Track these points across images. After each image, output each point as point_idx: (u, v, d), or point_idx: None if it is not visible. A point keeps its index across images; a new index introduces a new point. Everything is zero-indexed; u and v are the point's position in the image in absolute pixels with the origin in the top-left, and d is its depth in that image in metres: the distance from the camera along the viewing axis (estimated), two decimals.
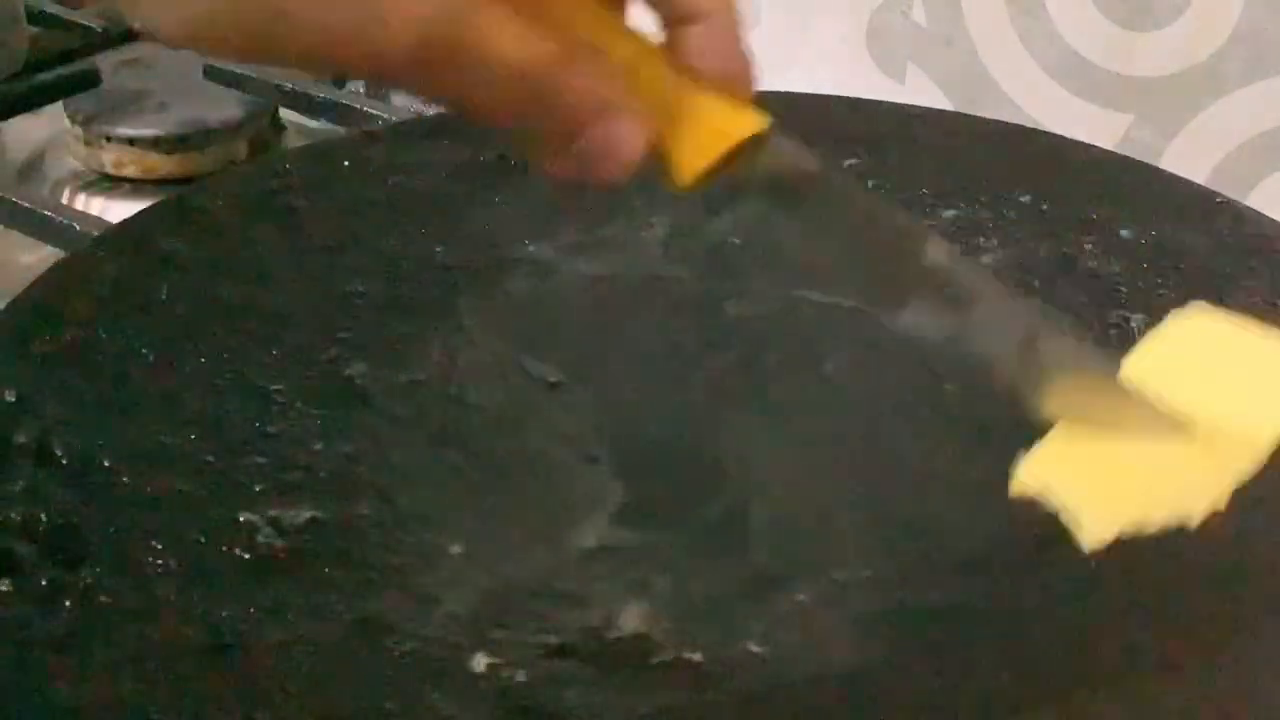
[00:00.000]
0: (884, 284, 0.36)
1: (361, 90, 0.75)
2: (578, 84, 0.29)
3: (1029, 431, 0.42)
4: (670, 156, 0.32)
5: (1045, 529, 0.39)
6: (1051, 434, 0.37)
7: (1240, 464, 0.36)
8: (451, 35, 0.27)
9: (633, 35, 0.31)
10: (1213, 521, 0.34)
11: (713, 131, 0.32)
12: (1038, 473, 0.36)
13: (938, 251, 0.35)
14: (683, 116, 0.32)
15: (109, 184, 0.68)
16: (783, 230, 0.35)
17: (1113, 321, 0.46)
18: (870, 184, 0.53)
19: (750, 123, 0.33)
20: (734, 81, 0.32)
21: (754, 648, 0.35)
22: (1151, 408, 0.36)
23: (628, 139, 0.30)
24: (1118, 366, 0.37)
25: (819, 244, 0.35)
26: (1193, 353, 0.39)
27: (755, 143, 0.33)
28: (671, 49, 0.32)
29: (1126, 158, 0.56)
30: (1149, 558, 0.38)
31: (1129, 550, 0.38)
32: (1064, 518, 0.34)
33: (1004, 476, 0.41)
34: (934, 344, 0.45)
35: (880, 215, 0.36)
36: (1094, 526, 0.34)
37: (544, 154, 0.30)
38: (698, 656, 0.35)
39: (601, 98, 0.30)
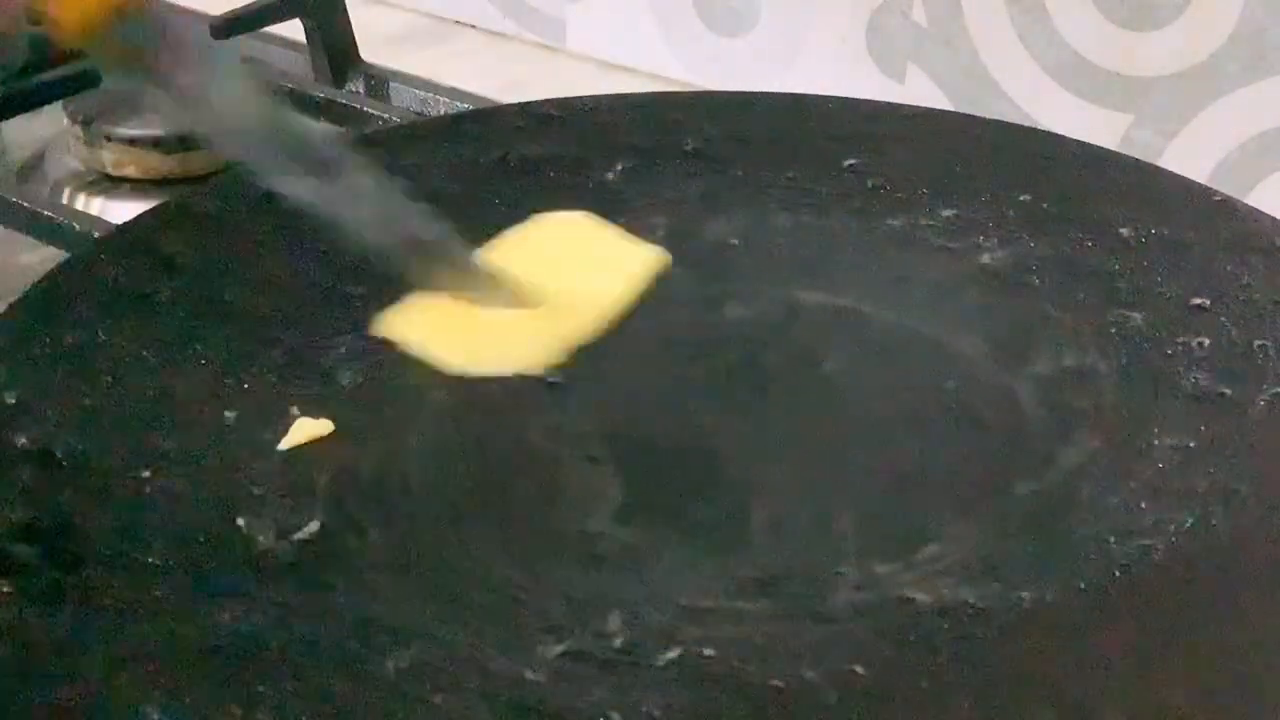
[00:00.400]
0: (262, 151, 0.41)
1: (362, 91, 0.75)
2: None
3: (1030, 430, 0.43)
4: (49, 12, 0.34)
5: (1045, 529, 0.39)
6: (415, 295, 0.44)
7: (581, 324, 0.44)
8: None
9: None
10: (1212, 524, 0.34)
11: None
12: (396, 323, 0.44)
13: (311, 125, 0.40)
14: None
15: (109, 184, 0.68)
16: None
17: (1112, 320, 0.46)
18: (870, 184, 0.53)
19: None
20: None
21: (759, 644, 0.35)
22: (505, 279, 0.45)
23: None
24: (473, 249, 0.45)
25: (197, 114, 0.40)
26: (551, 242, 0.48)
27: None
28: None
29: (1126, 157, 0.56)
30: (1149, 556, 0.38)
31: (1128, 551, 0.38)
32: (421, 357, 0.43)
33: (1005, 475, 0.41)
34: (927, 342, 0.46)
35: (254, 90, 0.41)
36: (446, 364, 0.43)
37: None
38: (703, 654, 0.35)
39: None
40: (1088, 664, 0.35)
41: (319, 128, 0.42)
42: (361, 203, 0.42)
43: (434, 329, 0.44)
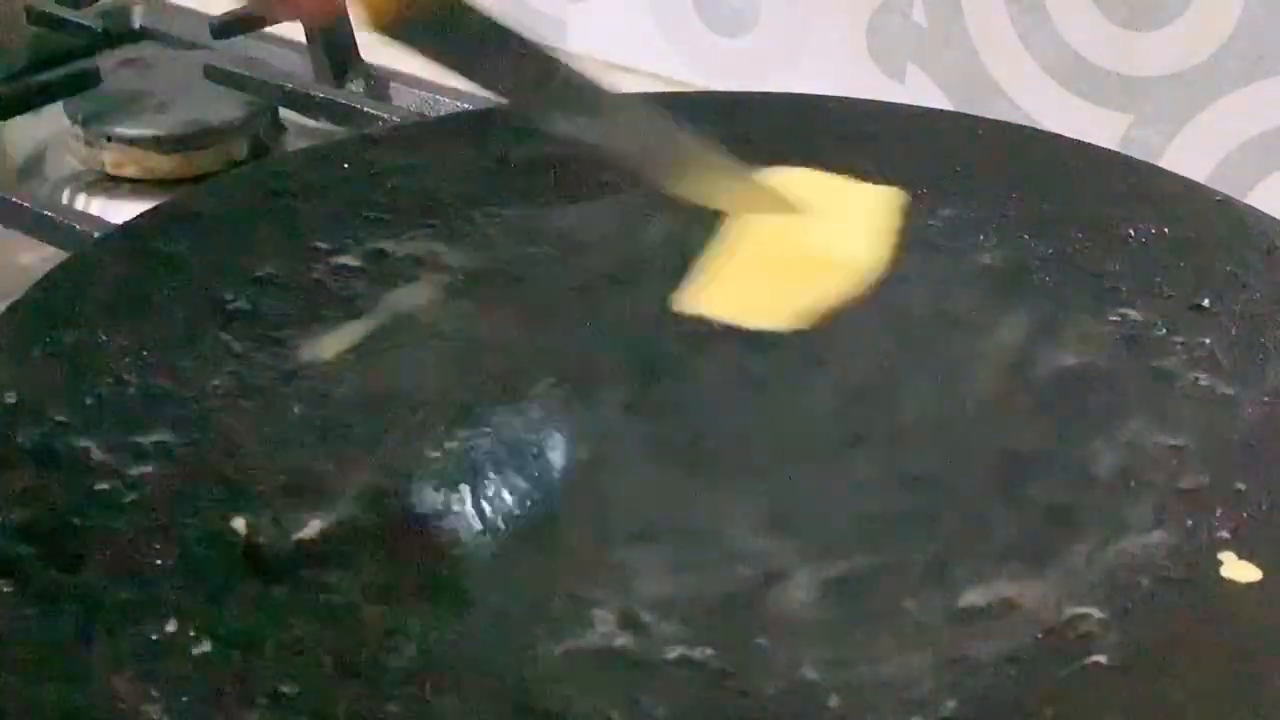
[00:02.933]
0: (530, 93, 0.42)
1: (361, 91, 0.74)
2: None
3: (1030, 431, 0.43)
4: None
5: (1046, 528, 0.39)
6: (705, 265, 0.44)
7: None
8: None
9: None
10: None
11: None
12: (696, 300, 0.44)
13: (572, 70, 0.41)
14: None
15: (109, 184, 0.68)
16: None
17: (1112, 320, 0.46)
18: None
19: None
20: None
21: (762, 643, 0.35)
22: (777, 193, 0.45)
23: None
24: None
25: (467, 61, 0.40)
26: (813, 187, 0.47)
27: None
28: None
29: (1126, 158, 0.56)
30: (1149, 556, 0.38)
31: (1129, 550, 0.38)
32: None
33: (1005, 476, 0.41)
34: (927, 342, 0.46)
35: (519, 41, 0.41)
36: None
37: None
38: (704, 654, 0.35)
39: None
40: (1088, 662, 0.35)
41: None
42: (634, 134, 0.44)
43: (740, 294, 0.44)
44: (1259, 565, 0.37)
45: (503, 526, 0.39)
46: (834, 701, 0.34)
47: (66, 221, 0.58)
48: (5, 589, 0.35)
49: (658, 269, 0.50)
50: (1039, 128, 0.64)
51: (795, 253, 0.45)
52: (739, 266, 0.44)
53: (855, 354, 0.46)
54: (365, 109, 0.68)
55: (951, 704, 0.34)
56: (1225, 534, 0.38)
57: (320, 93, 0.70)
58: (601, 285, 0.49)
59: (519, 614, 0.36)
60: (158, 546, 0.37)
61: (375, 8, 0.36)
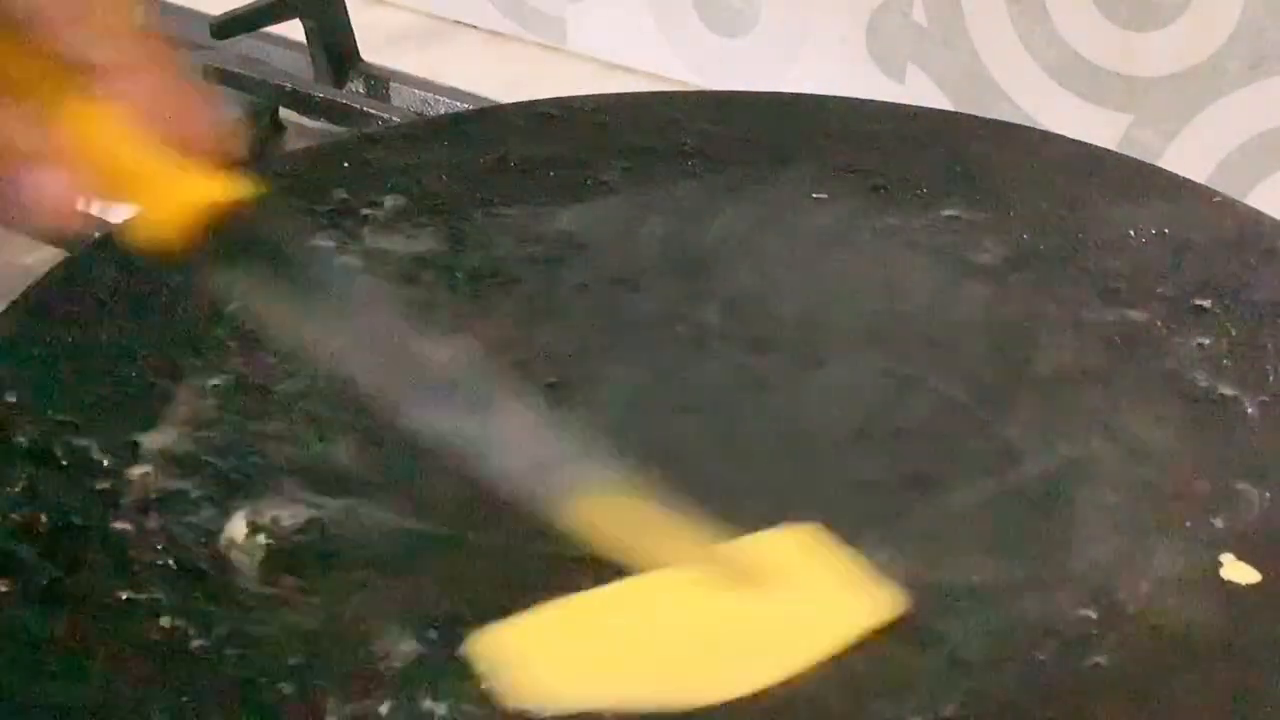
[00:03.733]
0: (388, 382, 0.36)
1: (362, 91, 0.74)
2: None
3: (1031, 430, 0.43)
4: (136, 214, 0.33)
5: (1046, 528, 0.39)
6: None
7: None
8: None
9: (89, 98, 0.32)
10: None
11: (171, 195, 0.33)
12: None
13: (444, 352, 0.36)
14: (137, 176, 0.32)
15: None
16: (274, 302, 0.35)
17: (1113, 320, 0.46)
18: (870, 184, 0.53)
19: (202, 192, 0.33)
20: (182, 140, 0.32)
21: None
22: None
23: (51, 189, 0.31)
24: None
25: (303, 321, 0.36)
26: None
27: (230, 206, 0.34)
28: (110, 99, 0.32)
29: (1126, 158, 0.56)
30: (1149, 555, 0.38)
31: (1130, 549, 0.38)
32: None
33: (1005, 475, 0.41)
34: (927, 342, 0.45)
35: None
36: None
37: None
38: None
39: (12, 149, 0.30)
40: (1088, 667, 0.35)
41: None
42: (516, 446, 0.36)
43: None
44: (1258, 567, 0.37)
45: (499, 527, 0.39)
46: (834, 701, 0.34)
47: None
48: (5, 589, 0.35)
49: (658, 269, 0.50)
50: (1039, 128, 0.64)
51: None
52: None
53: (855, 354, 0.46)
54: (365, 109, 0.68)
55: (951, 705, 0.34)
56: (1225, 535, 0.38)
57: (320, 93, 0.70)
58: (602, 285, 0.49)
59: (516, 613, 0.36)
60: (158, 546, 0.37)
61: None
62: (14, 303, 0.45)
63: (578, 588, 0.36)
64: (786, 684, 0.34)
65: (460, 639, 0.35)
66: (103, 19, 0.32)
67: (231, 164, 0.33)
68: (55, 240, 0.58)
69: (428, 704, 0.33)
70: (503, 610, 0.36)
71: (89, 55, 0.31)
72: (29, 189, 0.31)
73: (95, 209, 0.32)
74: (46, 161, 0.31)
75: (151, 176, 0.32)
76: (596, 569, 0.37)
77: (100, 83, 0.31)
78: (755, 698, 0.34)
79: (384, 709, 0.33)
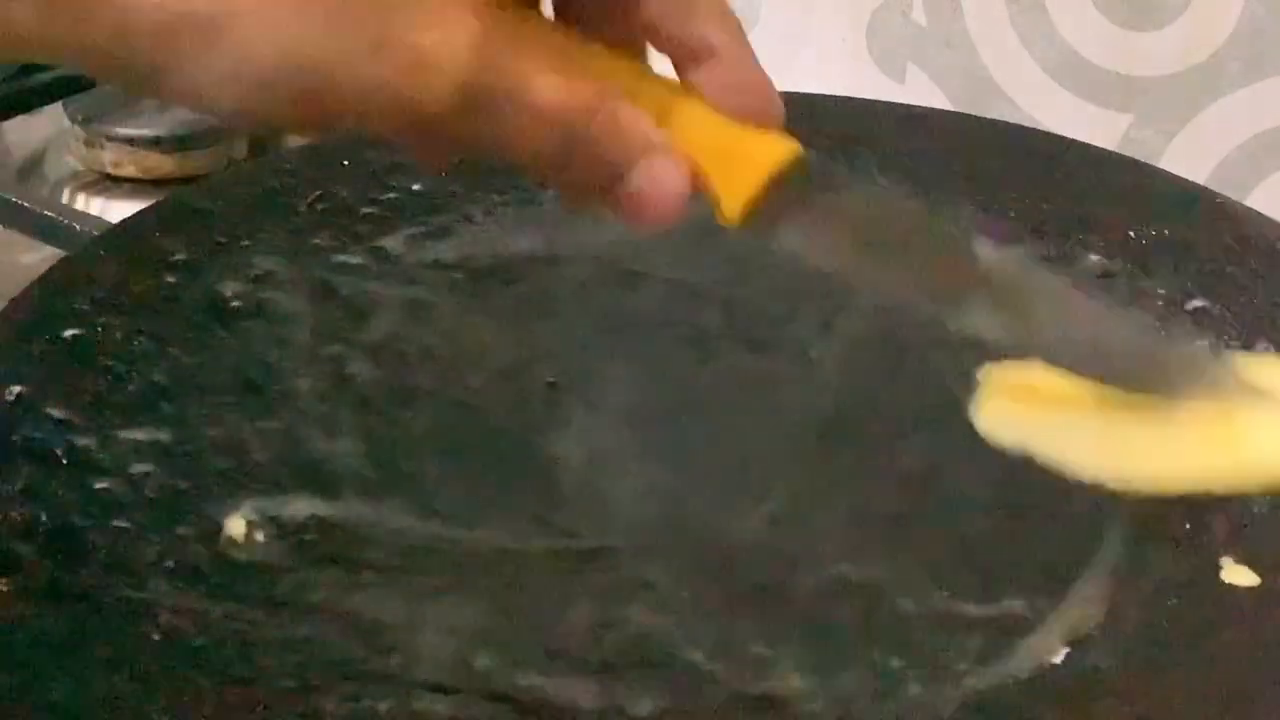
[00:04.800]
0: (940, 286, 0.35)
1: None
2: (615, 127, 0.29)
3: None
4: (715, 194, 0.32)
5: (1046, 527, 0.39)
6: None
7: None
8: (490, 82, 0.27)
9: (658, 78, 0.31)
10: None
11: (749, 162, 0.32)
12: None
13: (986, 250, 0.34)
14: (719, 152, 0.32)
15: (109, 184, 0.68)
16: (827, 246, 0.34)
17: None
18: (871, 184, 0.53)
19: (783, 149, 0.32)
20: (759, 113, 0.32)
21: (755, 648, 0.35)
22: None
23: (671, 179, 0.30)
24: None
25: (863, 255, 0.34)
26: None
27: (794, 167, 0.33)
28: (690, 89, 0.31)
29: (1126, 158, 0.56)
30: (1147, 554, 0.38)
31: (1130, 548, 0.38)
32: None
33: (1005, 475, 0.41)
34: (927, 342, 0.45)
35: (918, 217, 0.35)
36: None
37: (590, 201, 0.30)
38: (698, 656, 0.35)
39: (640, 139, 0.29)
40: (1088, 669, 0.35)
41: None
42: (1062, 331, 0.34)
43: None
44: (1258, 570, 0.37)
45: (499, 529, 0.39)
46: (835, 704, 0.34)
47: (66, 221, 0.58)
48: (5, 589, 0.35)
49: (658, 269, 0.50)
50: (1039, 128, 0.64)
51: None
52: None
53: (855, 353, 0.46)
54: None
55: (952, 706, 0.34)
56: (1224, 539, 0.38)
57: None
58: (602, 285, 0.49)
59: (516, 613, 0.36)
60: (157, 546, 0.37)
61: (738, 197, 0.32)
62: (14, 302, 0.45)
63: (583, 585, 0.37)
64: (787, 686, 0.34)
65: (461, 639, 0.35)
66: (707, 3, 0.31)
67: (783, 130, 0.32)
68: (57, 242, 0.58)
69: (429, 704, 0.33)
70: (504, 610, 0.36)
71: (694, 38, 0.31)
72: (647, 183, 0.30)
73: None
74: (664, 157, 0.30)
75: (731, 152, 0.32)
76: (604, 564, 0.37)
77: (694, 68, 0.31)
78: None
79: (384, 708, 0.33)
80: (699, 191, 0.31)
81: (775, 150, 0.32)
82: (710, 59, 0.31)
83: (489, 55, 0.27)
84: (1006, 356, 0.35)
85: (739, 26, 0.31)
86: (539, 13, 0.30)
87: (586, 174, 0.29)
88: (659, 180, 0.30)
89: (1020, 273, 0.35)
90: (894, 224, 0.34)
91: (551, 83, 0.28)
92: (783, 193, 0.32)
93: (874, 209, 0.34)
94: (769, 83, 0.32)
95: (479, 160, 0.54)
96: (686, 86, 0.31)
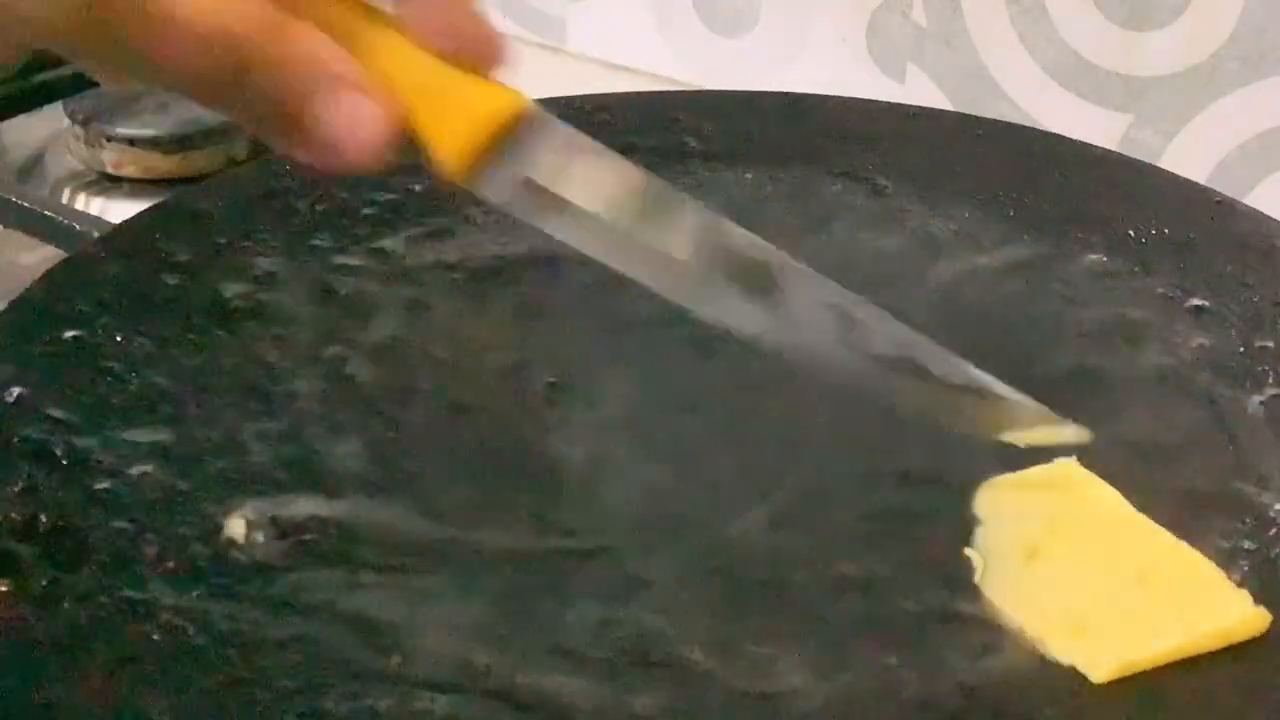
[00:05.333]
0: (685, 275, 0.33)
1: None
2: (291, 54, 0.26)
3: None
4: (427, 144, 0.29)
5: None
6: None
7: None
8: None
9: (366, 9, 0.29)
10: None
11: (465, 112, 0.29)
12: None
13: (737, 234, 0.33)
14: (430, 98, 0.29)
15: (109, 184, 0.68)
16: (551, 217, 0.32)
17: (1113, 320, 0.47)
18: (870, 184, 0.53)
19: (505, 102, 0.30)
20: (476, 58, 0.29)
21: (755, 648, 0.35)
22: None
23: (362, 118, 0.27)
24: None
25: (594, 228, 0.32)
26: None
27: (519, 121, 0.30)
28: (404, 27, 0.29)
29: (1126, 158, 0.56)
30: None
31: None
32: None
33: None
34: None
35: (666, 195, 0.33)
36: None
37: (278, 138, 0.28)
38: (697, 656, 0.35)
39: (321, 71, 0.27)
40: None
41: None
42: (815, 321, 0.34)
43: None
44: (1258, 569, 0.37)
45: (498, 526, 0.39)
46: (835, 702, 0.34)
47: (66, 221, 0.58)
48: (5, 589, 0.35)
49: None
50: (1039, 128, 0.64)
51: None
52: None
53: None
54: None
55: (952, 705, 0.34)
56: (1225, 536, 0.38)
57: None
58: (602, 285, 0.49)
59: (515, 613, 0.36)
60: (157, 546, 0.37)
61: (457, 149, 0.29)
62: (14, 302, 0.45)
63: (583, 585, 0.37)
64: (786, 685, 0.34)
65: (461, 639, 0.35)
66: None
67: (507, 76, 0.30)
68: (57, 242, 0.58)
69: (429, 703, 0.33)
70: (504, 610, 0.36)
71: None
72: (337, 119, 0.27)
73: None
74: (354, 90, 0.27)
75: (444, 97, 0.29)
76: (604, 564, 0.37)
77: (395, 5, 0.29)
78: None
79: (384, 707, 0.33)
80: (411, 139, 0.29)
81: (494, 102, 0.30)
82: None
83: None
84: None
85: None
86: None
87: (263, 106, 0.27)
88: (348, 117, 0.27)
89: (771, 257, 0.33)
90: (635, 197, 0.32)
91: (202, 3, 0.25)
92: (507, 147, 0.30)
93: (601, 175, 0.32)
94: (487, 25, 0.29)
95: None
96: (398, 22, 0.29)
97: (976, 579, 0.36)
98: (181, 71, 0.26)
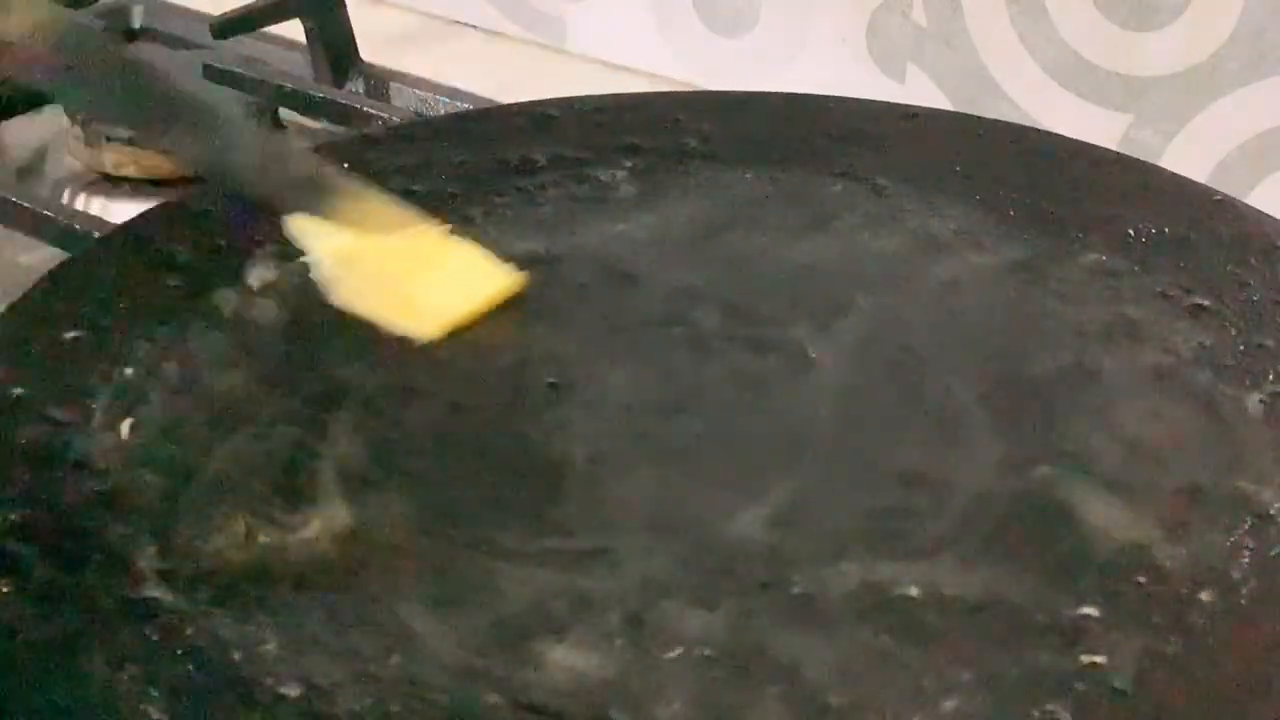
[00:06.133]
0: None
1: (362, 91, 0.74)
2: None
3: (1030, 431, 0.43)
4: None
5: (1046, 526, 0.39)
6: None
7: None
8: None
9: None
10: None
11: None
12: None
13: (182, 78, 0.39)
14: None
15: (109, 184, 0.68)
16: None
17: (1113, 319, 0.46)
18: (870, 184, 0.53)
19: None
20: None
21: (762, 642, 0.35)
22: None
23: None
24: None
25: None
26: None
27: None
28: None
29: (1126, 157, 0.56)
30: (1148, 555, 0.38)
31: (1131, 548, 0.38)
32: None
33: (1005, 475, 0.41)
34: (927, 342, 0.45)
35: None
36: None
37: None
38: (704, 653, 0.35)
39: None
40: (1087, 666, 0.35)
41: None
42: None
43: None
44: (1259, 569, 0.37)
45: (500, 525, 0.39)
46: (833, 700, 0.34)
47: (66, 221, 0.58)
48: (5, 589, 0.35)
49: (658, 269, 0.50)
50: (1039, 128, 0.64)
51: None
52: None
53: (854, 353, 0.46)
54: (365, 109, 0.68)
55: (951, 703, 0.34)
56: (1226, 536, 0.38)
57: (320, 93, 0.70)
58: (602, 285, 0.49)
59: (515, 613, 0.36)
60: (157, 547, 0.37)
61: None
62: (14, 303, 0.45)
63: (583, 585, 0.37)
64: (788, 683, 0.34)
65: (460, 638, 0.35)
66: None
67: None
68: (57, 242, 0.58)
69: (429, 703, 0.33)
70: (504, 610, 0.36)
71: None
72: None
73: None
74: None
75: None
76: (604, 564, 0.37)
77: None
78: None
79: (385, 708, 0.33)
80: None
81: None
82: None
83: None
84: None
85: None
86: None
87: None
88: None
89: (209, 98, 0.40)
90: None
91: None
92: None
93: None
94: None
95: (479, 163, 0.54)
96: None
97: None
98: None
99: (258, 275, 0.48)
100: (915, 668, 0.34)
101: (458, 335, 0.46)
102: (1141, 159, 0.57)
